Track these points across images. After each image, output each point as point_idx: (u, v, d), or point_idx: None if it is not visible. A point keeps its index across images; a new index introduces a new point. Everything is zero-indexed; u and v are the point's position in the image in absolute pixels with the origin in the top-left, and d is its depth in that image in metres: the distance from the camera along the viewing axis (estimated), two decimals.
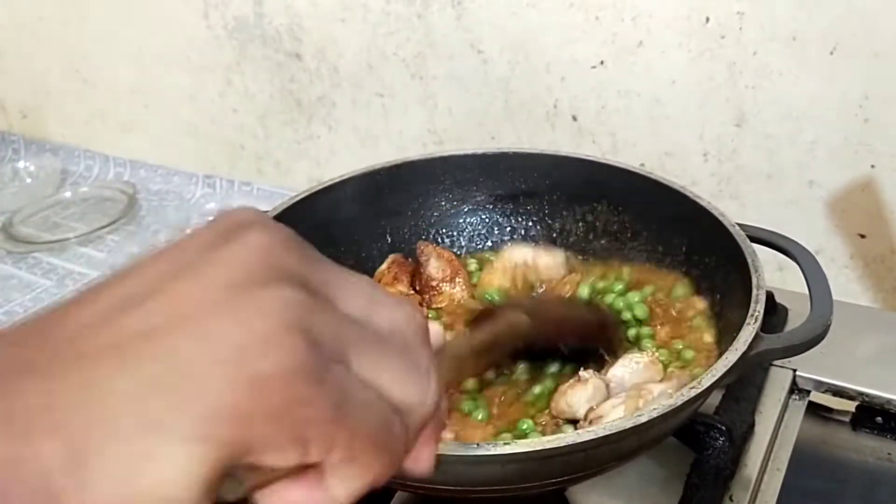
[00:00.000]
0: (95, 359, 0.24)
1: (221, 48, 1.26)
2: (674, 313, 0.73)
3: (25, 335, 0.25)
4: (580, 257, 0.83)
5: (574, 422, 0.62)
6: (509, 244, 0.84)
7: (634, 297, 0.74)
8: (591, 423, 0.58)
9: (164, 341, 0.24)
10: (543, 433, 0.62)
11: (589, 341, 0.67)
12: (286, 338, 0.25)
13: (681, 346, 0.69)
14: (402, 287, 0.79)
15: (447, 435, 0.58)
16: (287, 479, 0.26)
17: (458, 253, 0.85)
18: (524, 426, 0.63)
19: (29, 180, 1.46)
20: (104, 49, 1.41)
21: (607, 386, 0.63)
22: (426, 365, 0.30)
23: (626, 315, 0.73)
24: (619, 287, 0.76)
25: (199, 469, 0.23)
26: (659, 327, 0.71)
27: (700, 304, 0.72)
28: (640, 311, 0.72)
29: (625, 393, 0.60)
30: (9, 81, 1.60)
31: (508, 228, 0.86)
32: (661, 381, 0.63)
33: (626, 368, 0.65)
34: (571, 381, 0.63)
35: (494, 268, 0.79)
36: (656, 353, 0.67)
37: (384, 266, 0.81)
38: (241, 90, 1.29)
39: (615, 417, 0.57)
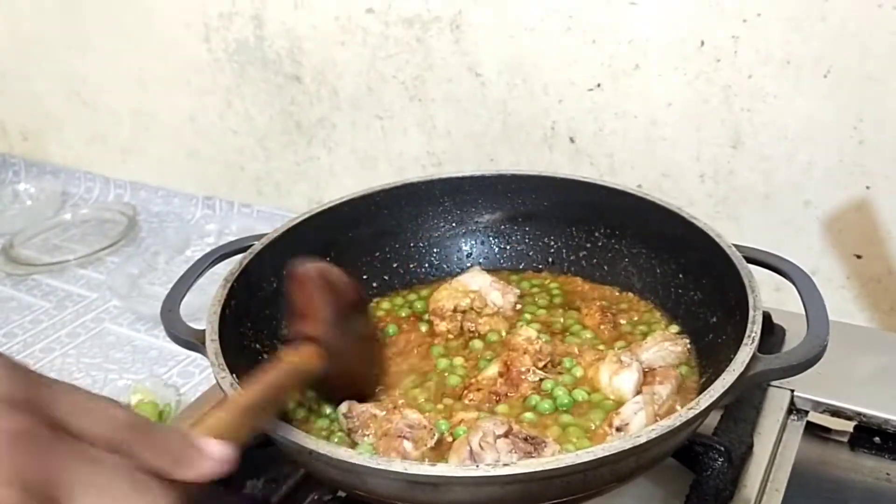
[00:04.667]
0: None
1: (222, 71, 1.27)
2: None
3: None
4: (576, 276, 0.83)
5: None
6: (474, 267, 0.83)
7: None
8: (617, 430, 0.60)
9: None
10: None
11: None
12: None
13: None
14: None
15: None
16: None
17: (459, 269, 0.85)
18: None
19: (29, 202, 1.47)
20: (105, 72, 1.42)
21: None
22: (158, 486, 0.31)
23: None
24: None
25: None
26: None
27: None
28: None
29: (641, 397, 0.62)
30: (10, 104, 1.61)
31: (505, 249, 0.86)
32: (661, 382, 0.64)
33: (658, 353, 0.68)
34: (611, 363, 0.66)
35: (449, 287, 0.78)
36: (687, 342, 0.70)
37: None
38: (242, 112, 1.29)
39: (639, 425, 0.59)
